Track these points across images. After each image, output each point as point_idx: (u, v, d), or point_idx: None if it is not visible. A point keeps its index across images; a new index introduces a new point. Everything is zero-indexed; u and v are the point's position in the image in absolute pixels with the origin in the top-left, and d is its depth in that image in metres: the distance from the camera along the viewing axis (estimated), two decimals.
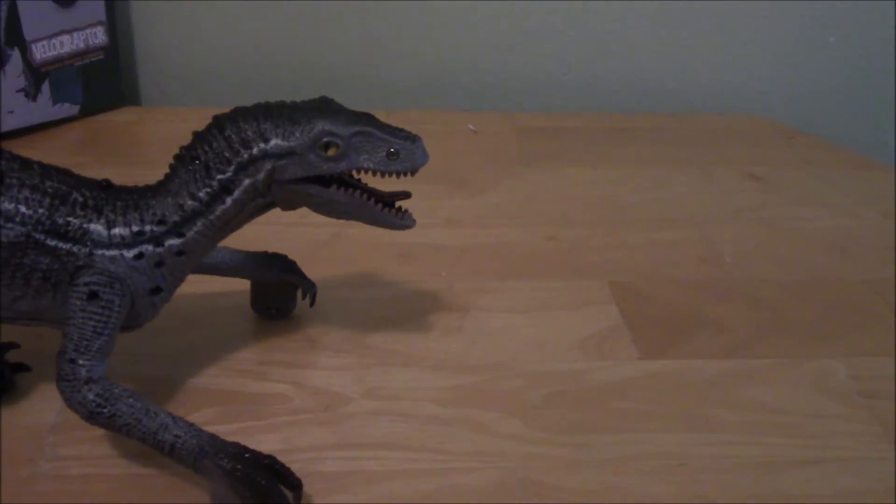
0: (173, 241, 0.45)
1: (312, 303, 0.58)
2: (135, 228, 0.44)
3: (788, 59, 0.94)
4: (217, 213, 0.44)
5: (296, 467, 0.45)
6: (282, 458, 0.45)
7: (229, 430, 0.49)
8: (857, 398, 0.54)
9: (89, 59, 0.84)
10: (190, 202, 0.44)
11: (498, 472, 0.48)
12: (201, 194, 0.44)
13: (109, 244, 0.44)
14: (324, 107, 0.45)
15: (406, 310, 0.61)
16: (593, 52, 0.93)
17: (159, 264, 0.45)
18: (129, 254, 0.44)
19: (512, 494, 0.46)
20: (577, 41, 0.92)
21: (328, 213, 0.47)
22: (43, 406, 0.51)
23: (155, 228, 0.44)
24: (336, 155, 0.44)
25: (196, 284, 0.59)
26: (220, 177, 0.44)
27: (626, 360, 0.57)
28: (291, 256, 0.58)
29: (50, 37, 0.80)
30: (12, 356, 0.52)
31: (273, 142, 0.44)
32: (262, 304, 0.58)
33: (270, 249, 0.57)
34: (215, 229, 0.45)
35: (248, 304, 0.59)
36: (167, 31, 0.90)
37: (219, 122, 0.44)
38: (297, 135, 0.44)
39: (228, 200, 0.44)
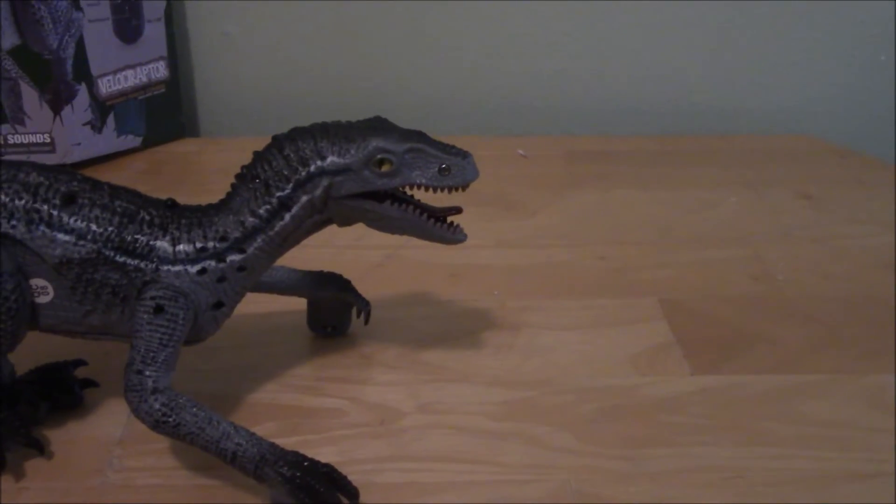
0: (235, 257, 0.46)
1: (367, 321, 0.59)
2: (198, 245, 0.46)
3: (838, 79, 0.94)
4: (276, 228, 0.46)
5: (353, 479, 0.46)
6: (341, 470, 0.47)
7: (288, 443, 0.50)
8: None
9: (151, 92, 0.87)
10: (250, 219, 0.46)
11: (552, 484, 0.48)
12: (261, 211, 0.46)
13: (174, 260, 0.46)
14: (378, 125, 0.47)
15: (458, 328, 0.62)
16: (641, 75, 0.94)
17: (221, 279, 0.46)
18: (193, 269, 0.46)
19: None
20: (625, 65, 0.94)
21: (382, 228, 0.48)
22: (110, 420, 0.53)
23: (217, 245, 0.46)
24: (390, 171, 0.46)
25: (255, 304, 0.60)
26: (279, 194, 0.46)
27: (677, 375, 0.57)
28: (347, 276, 0.60)
29: (115, 72, 0.84)
30: (80, 373, 0.54)
31: (329, 159, 0.45)
32: (318, 323, 0.60)
33: (326, 270, 0.59)
34: (275, 245, 0.47)
35: (304, 323, 0.60)
36: (225, 65, 0.94)
37: (278, 142, 0.46)
38: (353, 152, 0.45)
39: (287, 216, 0.46)
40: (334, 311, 0.59)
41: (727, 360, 0.59)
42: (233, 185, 0.47)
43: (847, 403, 0.55)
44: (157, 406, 0.43)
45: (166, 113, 0.89)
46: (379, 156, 0.45)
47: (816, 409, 0.54)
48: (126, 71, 0.85)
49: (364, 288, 0.61)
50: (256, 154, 0.47)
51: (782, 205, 0.79)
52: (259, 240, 0.46)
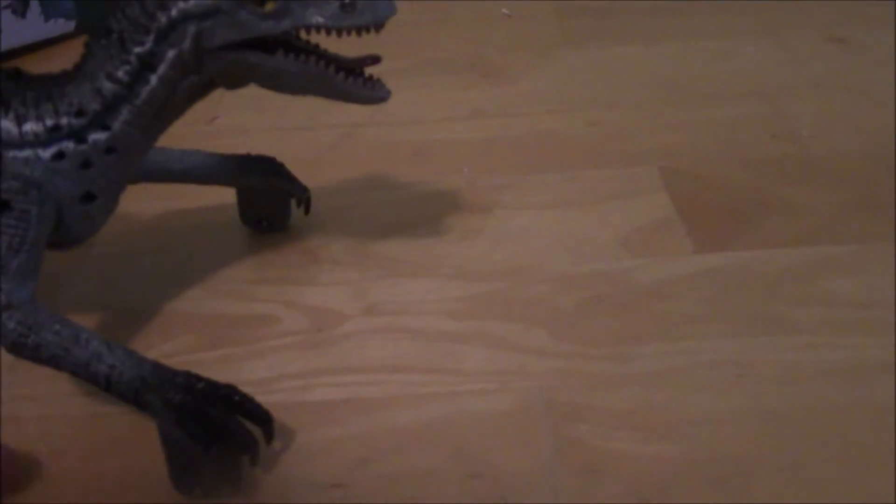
0: (98, 136, 0.37)
1: (307, 210, 0.50)
2: (49, 123, 0.37)
3: None
4: (143, 96, 0.37)
5: (281, 398, 0.39)
6: (267, 388, 0.40)
7: (208, 359, 0.43)
8: None
9: None
10: (108, 85, 0.37)
11: (518, 393, 0.40)
12: (120, 74, 0.36)
13: (21, 143, 0.37)
14: None
15: (419, 214, 0.53)
16: None
17: (86, 165, 0.37)
18: (46, 153, 0.37)
19: (534, 419, 0.39)
20: None
21: (279, 88, 0.38)
22: None
23: (73, 121, 0.37)
24: (275, 11, 0.36)
25: (179, 197, 0.52)
26: (137, 49, 0.36)
27: (678, 254, 0.48)
28: (296, 162, 0.51)
29: None
30: None
31: None
32: (251, 216, 0.51)
33: (273, 156, 0.50)
34: (147, 117, 0.37)
35: (237, 218, 0.51)
36: None
37: None
38: None
39: (153, 79, 0.36)
40: (269, 202, 0.50)
41: (739, 235, 0.49)
42: (86, 45, 0.37)
43: (883, 279, 0.45)
44: (11, 325, 0.35)
45: None
46: None
47: (845, 286, 0.45)
48: None
49: (315, 173, 0.52)
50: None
51: (809, 51, 0.67)
52: (124, 112, 0.37)
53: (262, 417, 0.36)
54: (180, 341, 0.44)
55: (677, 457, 0.36)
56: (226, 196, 0.51)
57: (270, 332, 0.45)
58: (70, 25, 0.77)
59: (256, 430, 0.36)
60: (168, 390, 0.34)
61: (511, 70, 0.67)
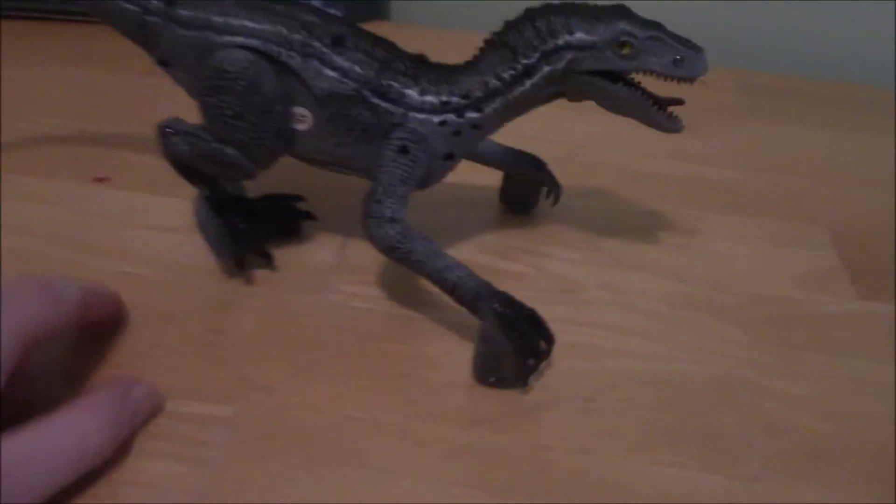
0: (472, 115, 0.51)
1: (556, 201, 0.64)
2: (443, 98, 0.51)
3: None
4: (515, 93, 0.51)
5: None
6: None
7: None
8: None
9: None
10: (494, 81, 0.51)
11: (718, 368, 0.53)
12: (505, 75, 0.50)
13: (421, 109, 0.51)
14: (622, 11, 0.50)
15: (636, 224, 0.66)
16: (827, 17, 0.95)
17: (457, 133, 0.51)
18: (436, 119, 0.51)
19: (731, 389, 0.51)
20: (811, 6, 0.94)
21: (608, 107, 0.52)
22: (324, 249, 0.59)
23: (460, 101, 0.51)
24: (629, 54, 0.49)
25: (453, 174, 0.66)
26: (525, 61, 0.50)
27: (844, 297, 0.60)
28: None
29: None
30: (299, 207, 0.61)
31: (577, 35, 0.49)
32: (509, 197, 0.65)
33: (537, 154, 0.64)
34: (509, 109, 0.51)
35: (493, 196, 0.65)
36: None
37: (530, 14, 0.50)
38: (601, 31, 0.49)
39: (528, 83, 0.50)
40: (526, 188, 0.64)
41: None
42: (481, 50, 0.52)
43: None
44: (392, 233, 0.49)
45: None
46: (623, 38, 0.49)
47: None
48: None
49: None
50: (508, 23, 0.51)
51: None
52: (497, 102, 0.51)
53: (550, 338, 0.49)
54: None
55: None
56: (481, 177, 0.65)
57: (526, 285, 0.58)
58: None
59: None
60: (495, 302, 0.48)
61: (704, 127, 0.81)
